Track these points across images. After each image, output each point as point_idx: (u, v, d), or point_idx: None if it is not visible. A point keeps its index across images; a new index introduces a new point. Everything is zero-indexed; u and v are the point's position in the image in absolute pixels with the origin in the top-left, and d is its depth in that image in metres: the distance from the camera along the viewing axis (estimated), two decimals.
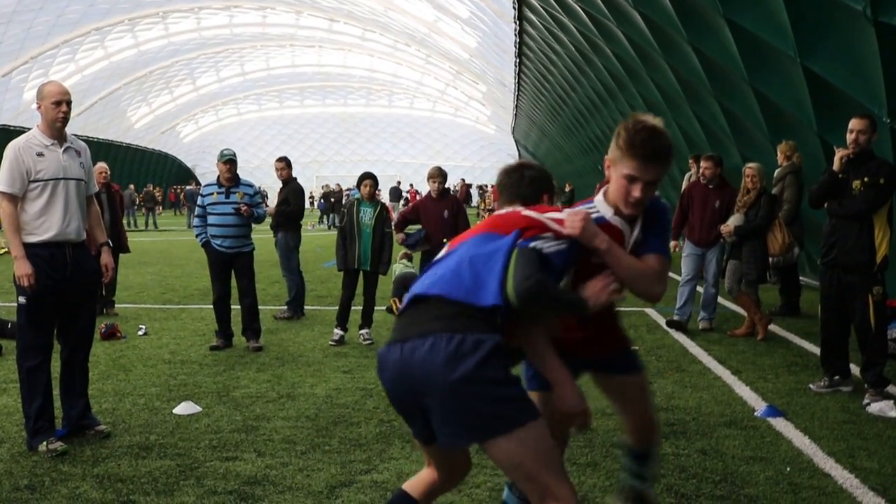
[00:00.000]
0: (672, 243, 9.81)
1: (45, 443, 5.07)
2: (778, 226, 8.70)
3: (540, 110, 37.11)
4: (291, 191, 10.70)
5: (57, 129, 5.25)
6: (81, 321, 5.44)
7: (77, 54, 46.97)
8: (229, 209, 8.33)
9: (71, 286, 5.27)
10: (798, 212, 9.53)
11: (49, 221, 5.18)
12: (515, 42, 26.83)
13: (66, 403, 5.48)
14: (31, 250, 5.12)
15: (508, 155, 70.88)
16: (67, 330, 5.42)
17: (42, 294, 5.13)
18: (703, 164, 9.35)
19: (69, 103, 5.28)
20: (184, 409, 6.01)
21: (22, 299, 5.15)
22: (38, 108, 5.25)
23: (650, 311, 10.73)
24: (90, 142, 50.14)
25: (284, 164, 10.82)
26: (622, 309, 11.24)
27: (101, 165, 10.87)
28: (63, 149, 5.28)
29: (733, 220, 8.77)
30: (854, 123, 6.17)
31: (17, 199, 5.14)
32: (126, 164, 58.27)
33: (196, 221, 8.58)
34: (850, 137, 6.18)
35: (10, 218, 5.13)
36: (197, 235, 8.55)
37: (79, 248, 5.36)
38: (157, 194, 52.69)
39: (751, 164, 8.98)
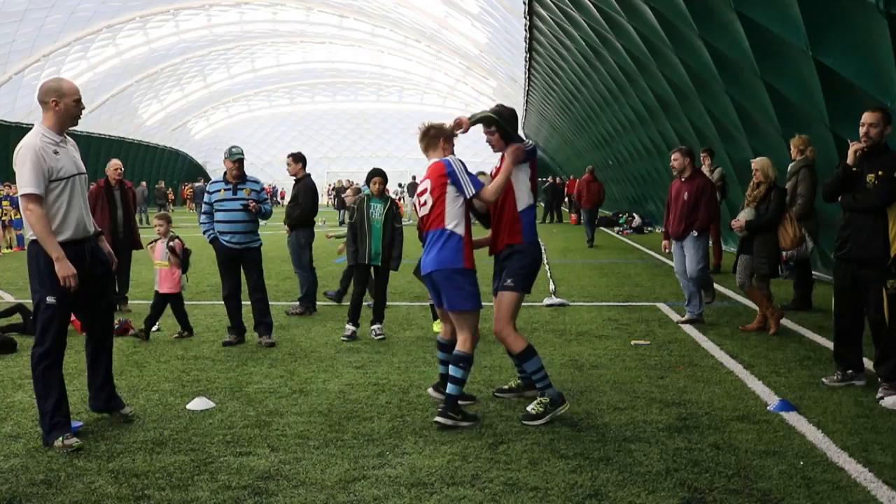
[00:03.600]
0: (664, 243, 9.95)
1: (60, 438, 5.10)
2: (788, 219, 8.65)
3: (550, 105, 37.03)
4: (303, 187, 10.69)
5: (66, 127, 5.28)
6: (103, 308, 5.54)
7: (89, 52, 47.07)
8: (237, 205, 8.40)
9: (91, 278, 5.33)
10: (812, 206, 9.48)
11: (71, 218, 5.20)
12: (526, 37, 26.77)
13: (93, 389, 5.61)
14: None
15: None
16: (92, 320, 5.51)
17: (71, 292, 5.16)
18: (672, 156, 9.48)
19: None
20: (197, 404, 6.04)
21: (51, 299, 5.13)
22: (55, 104, 5.18)
23: (662, 305, 10.72)
24: (102, 139, 50.59)
25: (293, 159, 10.80)
26: (635, 304, 11.20)
27: (116, 162, 10.93)
28: (69, 145, 5.33)
29: (744, 215, 8.73)
30: (866, 117, 6.14)
31: (42, 200, 5.11)
32: (138, 161, 58.46)
33: (203, 218, 8.64)
34: (861, 131, 6.15)
35: (42, 220, 5.06)
36: (204, 232, 8.61)
37: (92, 240, 5.45)
38: (187, 193, 52.98)
39: (755, 160, 8.95)
